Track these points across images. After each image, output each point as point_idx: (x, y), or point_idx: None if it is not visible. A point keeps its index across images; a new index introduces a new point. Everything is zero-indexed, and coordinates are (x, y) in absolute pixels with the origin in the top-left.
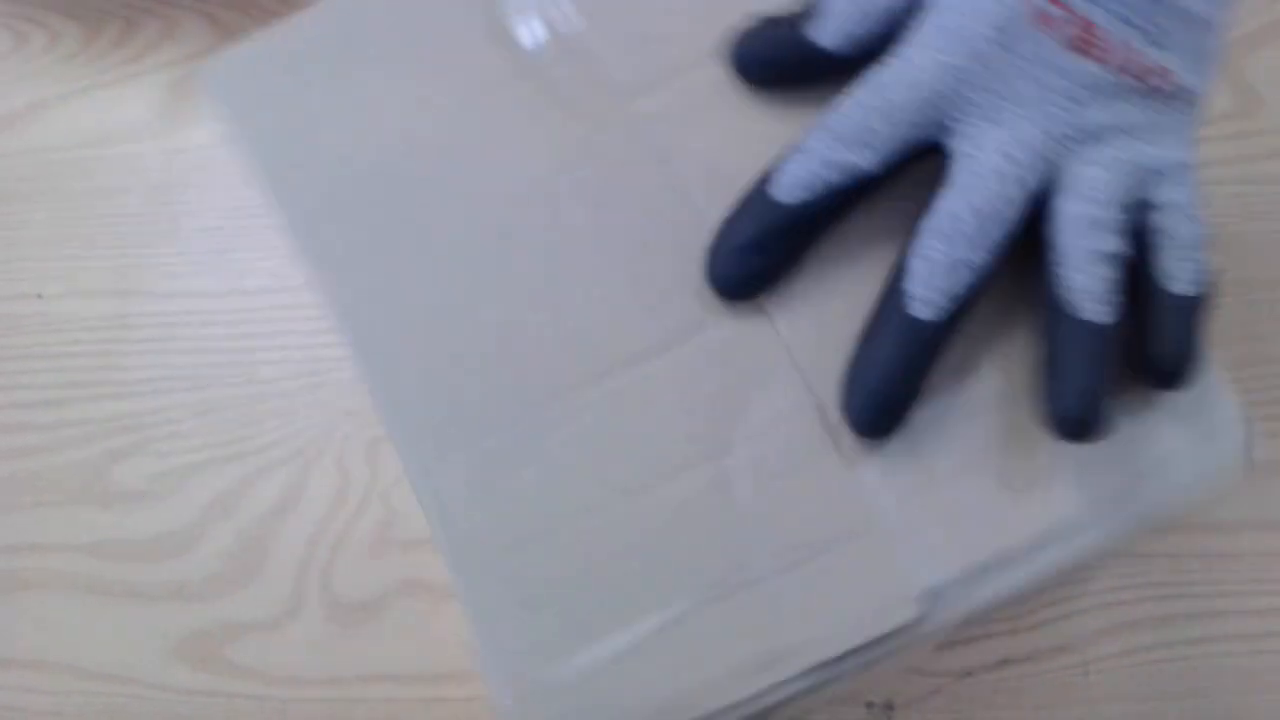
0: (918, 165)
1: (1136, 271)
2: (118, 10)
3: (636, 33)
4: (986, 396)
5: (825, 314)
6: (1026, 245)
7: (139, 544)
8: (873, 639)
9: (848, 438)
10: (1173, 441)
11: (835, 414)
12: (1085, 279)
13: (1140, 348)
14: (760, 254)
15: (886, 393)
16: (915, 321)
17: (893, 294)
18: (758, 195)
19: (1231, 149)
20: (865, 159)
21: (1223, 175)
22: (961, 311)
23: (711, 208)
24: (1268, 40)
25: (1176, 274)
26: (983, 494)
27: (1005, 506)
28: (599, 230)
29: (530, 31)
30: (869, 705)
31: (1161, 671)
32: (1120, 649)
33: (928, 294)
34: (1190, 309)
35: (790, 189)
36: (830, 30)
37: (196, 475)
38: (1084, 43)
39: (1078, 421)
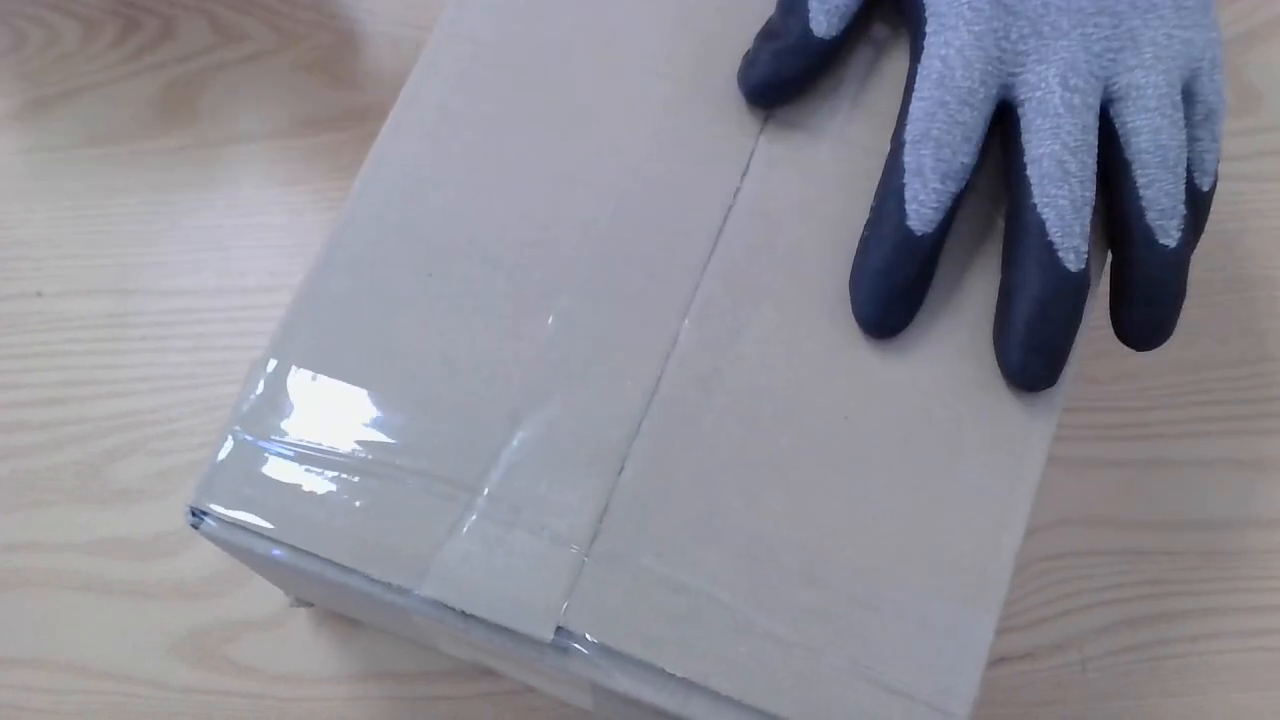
0: None
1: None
2: (117, 9)
3: None
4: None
5: None
6: None
7: (138, 543)
8: (482, 616)
9: None
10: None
11: None
12: (1167, 199)
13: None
14: (916, 289)
15: (1062, 349)
16: (1068, 274)
17: (1038, 250)
18: (898, 235)
19: (1230, 147)
20: (969, 154)
21: (1222, 173)
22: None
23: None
24: (1266, 38)
25: (1208, 169)
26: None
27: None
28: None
29: None
30: None
31: (1160, 669)
32: (1118, 646)
33: (1072, 241)
34: (1208, 204)
35: (927, 219)
36: (826, 17)
37: (195, 474)
38: None
39: (1151, 341)
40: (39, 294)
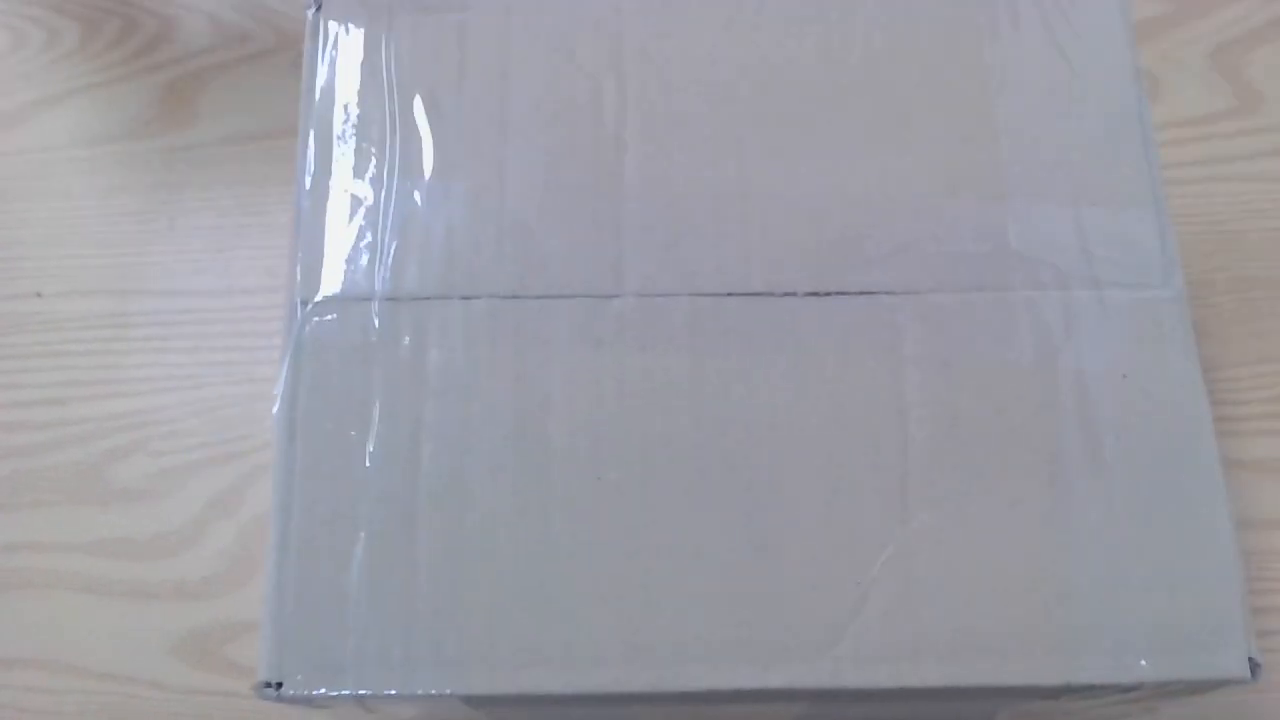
0: None
1: None
2: (116, 9)
3: None
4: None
5: None
6: None
7: (138, 543)
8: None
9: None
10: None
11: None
12: None
13: None
14: None
15: None
16: None
17: None
18: None
19: (1231, 147)
20: None
21: (1223, 173)
22: None
23: None
24: (1267, 38)
25: None
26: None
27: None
28: None
29: None
30: None
31: None
32: None
33: None
34: None
35: None
36: None
37: (195, 474)
38: None
39: None
40: (39, 294)
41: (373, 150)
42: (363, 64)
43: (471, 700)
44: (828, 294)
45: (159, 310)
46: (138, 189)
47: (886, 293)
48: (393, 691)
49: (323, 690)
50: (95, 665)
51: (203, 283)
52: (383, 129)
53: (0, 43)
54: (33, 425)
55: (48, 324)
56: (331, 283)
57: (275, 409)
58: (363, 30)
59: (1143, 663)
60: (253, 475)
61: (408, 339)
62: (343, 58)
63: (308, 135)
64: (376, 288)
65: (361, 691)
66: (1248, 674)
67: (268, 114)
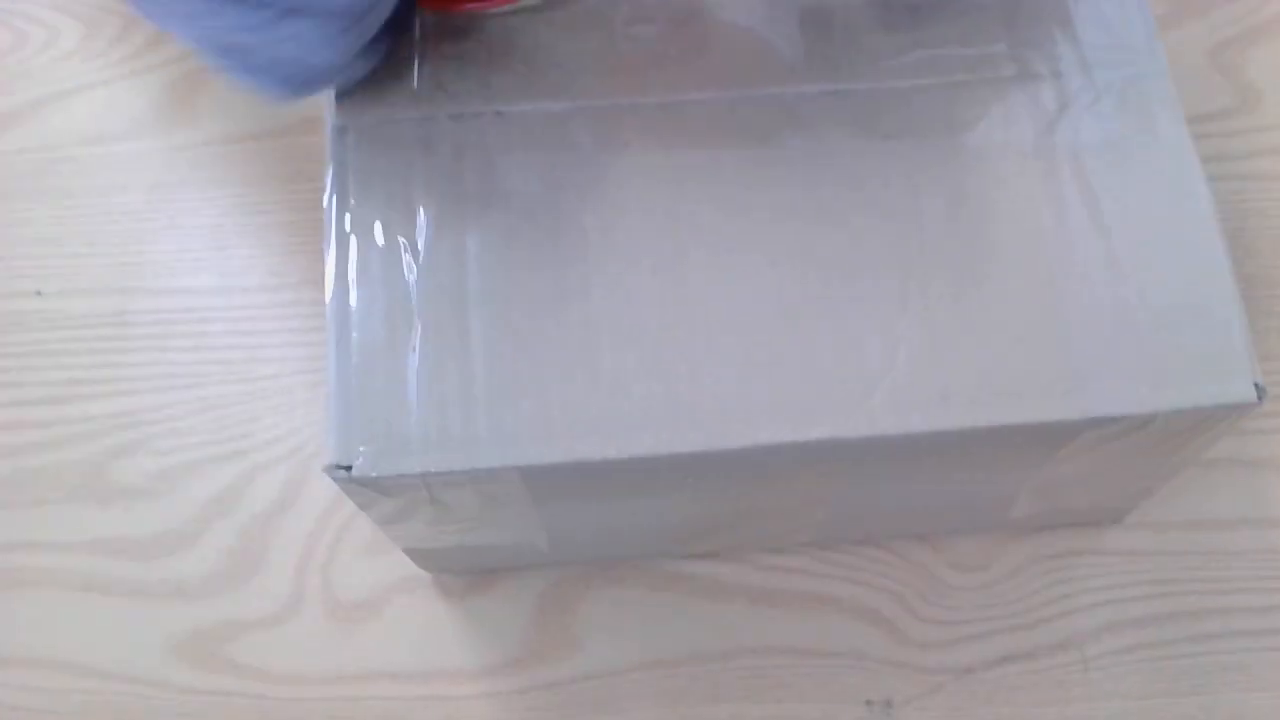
0: None
1: None
2: (116, 8)
3: None
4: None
5: None
6: None
7: (139, 542)
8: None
9: None
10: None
11: None
12: None
13: None
14: None
15: None
16: None
17: None
18: None
19: (1230, 146)
20: None
21: (1222, 172)
22: None
23: None
24: (1267, 36)
25: None
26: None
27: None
28: None
29: None
30: (868, 703)
31: (1162, 669)
32: (1121, 646)
33: None
34: None
35: None
36: None
37: (196, 473)
38: None
39: None
40: (39, 293)
41: None
42: None
43: (530, 477)
44: (840, 91)
45: (159, 309)
46: (138, 188)
47: (893, 86)
48: (455, 468)
49: (390, 471)
50: (95, 665)
51: (203, 281)
52: None
53: (0, 42)
54: (33, 424)
55: (48, 323)
56: (369, 97)
57: (326, 217)
58: None
59: (1155, 393)
60: (253, 474)
61: (447, 149)
62: None
63: None
64: (415, 104)
65: (427, 469)
66: (1255, 398)
67: (268, 112)
